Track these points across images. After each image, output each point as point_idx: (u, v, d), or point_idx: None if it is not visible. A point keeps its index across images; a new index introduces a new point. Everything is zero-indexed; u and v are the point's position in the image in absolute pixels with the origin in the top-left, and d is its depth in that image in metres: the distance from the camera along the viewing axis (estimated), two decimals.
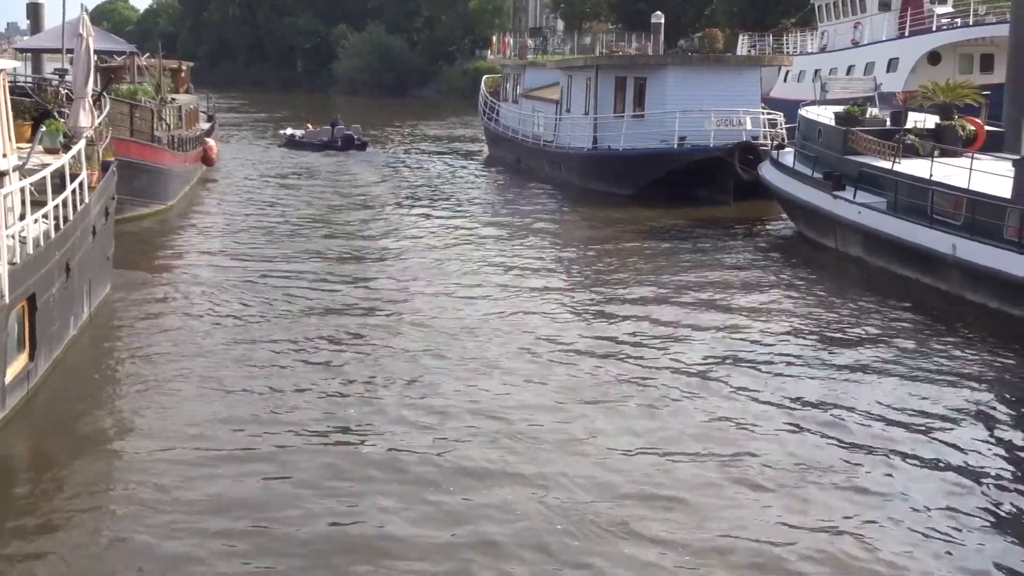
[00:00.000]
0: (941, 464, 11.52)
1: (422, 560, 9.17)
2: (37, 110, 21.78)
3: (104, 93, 23.99)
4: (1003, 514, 10.38)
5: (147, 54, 38.24)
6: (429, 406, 12.88)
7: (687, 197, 29.34)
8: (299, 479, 10.73)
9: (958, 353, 15.53)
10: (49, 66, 39.31)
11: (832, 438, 12.16)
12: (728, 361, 14.94)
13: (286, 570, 9.00)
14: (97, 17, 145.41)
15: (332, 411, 12.70)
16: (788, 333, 16.55)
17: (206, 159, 34.66)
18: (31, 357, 12.86)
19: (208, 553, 9.22)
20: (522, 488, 10.62)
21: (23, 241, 12.69)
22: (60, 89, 24.17)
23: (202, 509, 10.03)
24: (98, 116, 20.05)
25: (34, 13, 41.08)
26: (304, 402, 12.97)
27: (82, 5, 20.49)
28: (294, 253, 22.37)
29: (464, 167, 40.53)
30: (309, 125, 48.51)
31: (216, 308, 17.42)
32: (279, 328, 16.28)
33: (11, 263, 11.94)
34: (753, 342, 15.96)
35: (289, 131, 46.84)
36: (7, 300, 11.64)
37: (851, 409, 13.10)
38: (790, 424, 12.61)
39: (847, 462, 11.47)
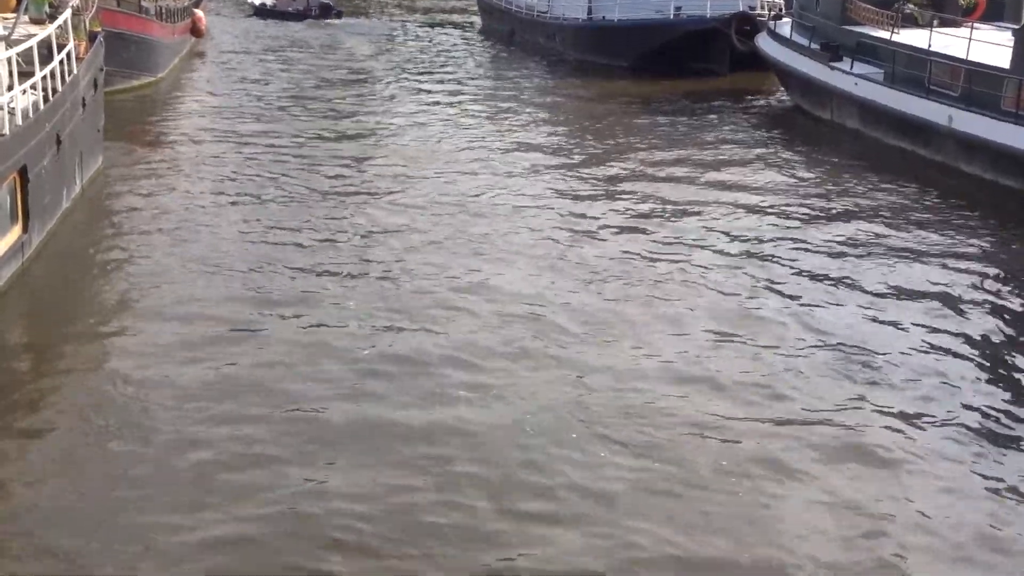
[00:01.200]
0: (931, 327, 11.67)
1: (419, 442, 9.25)
2: None
3: None
4: (997, 372, 10.56)
5: None
6: (427, 287, 12.86)
7: (683, 68, 28.97)
8: (292, 359, 10.67)
9: (951, 224, 15.58)
10: None
11: (833, 306, 12.31)
12: (724, 235, 14.95)
13: (284, 449, 9.09)
14: None
15: (327, 289, 12.68)
16: (782, 205, 16.55)
17: (195, 30, 34.04)
18: (24, 229, 12.86)
19: (205, 432, 9.28)
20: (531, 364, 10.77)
21: (12, 112, 12.56)
22: None
23: (199, 388, 10.02)
24: None
25: None
26: (298, 280, 12.92)
27: None
28: (286, 127, 22.16)
29: (457, 39, 39.91)
30: None
31: (209, 181, 17.36)
32: (272, 203, 16.25)
33: (0, 134, 11.84)
34: (748, 215, 15.97)
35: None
36: None
37: (848, 279, 13.22)
38: (792, 297, 12.72)
39: (849, 327, 11.68)
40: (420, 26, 43.75)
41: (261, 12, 43.51)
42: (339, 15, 43.92)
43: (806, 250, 14.36)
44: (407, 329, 11.42)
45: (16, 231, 12.66)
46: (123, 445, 9.05)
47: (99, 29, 19.44)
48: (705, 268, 13.55)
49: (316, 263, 13.39)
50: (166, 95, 26.21)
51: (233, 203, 16.11)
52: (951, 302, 12.51)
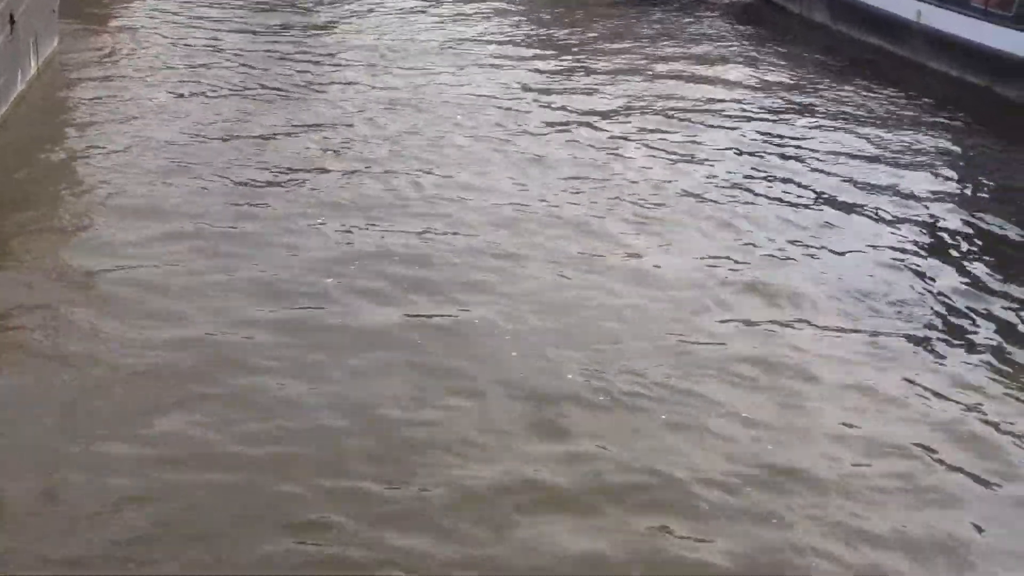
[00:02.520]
0: (886, 220, 11.75)
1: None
2: None
3: None
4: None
5: None
6: (396, 185, 12.69)
7: None
8: (263, 257, 10.48)
9: (914, 121, 15.60)
10: None
11: (789, 205, 12.35)
12: (689, 130, 14.84)
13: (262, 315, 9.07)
14: None
15: (293, 184, 12.40)
16: (740, 93, 16.50)
17: None
18: None
19: (166, 331, 9.14)
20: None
21: None
22: None
23: (157, 287, 9.78)
24: None
25: None
26: (261, 165, 12.72)
27: None
28: (251, 13, 21.59)
29: None
30: None
31: (169, 69, 16.92)
32: (235, 95, 15.83)
33: None
34: (705, 111, 15.86)
35: None
36: None
37: (808, 177, 13.26)
38: (753, 177, 12.74)
39: (793, 204, 11.70)
40: None
41: None
42: None
43: (769, 147, 14.33)
44: (375, 227, 11.31)
45: None
46: (77, 345, 8.85)
47: None
48: (670, 166, 13.53)
49: (281, 160, 13.02)
50: None
51: (193, 93, 15.59)
52: (908, 199, 12.56)
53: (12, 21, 13.85)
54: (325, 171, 12.68)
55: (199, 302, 9.47)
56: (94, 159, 12.62)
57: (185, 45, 18.02)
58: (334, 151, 13.25)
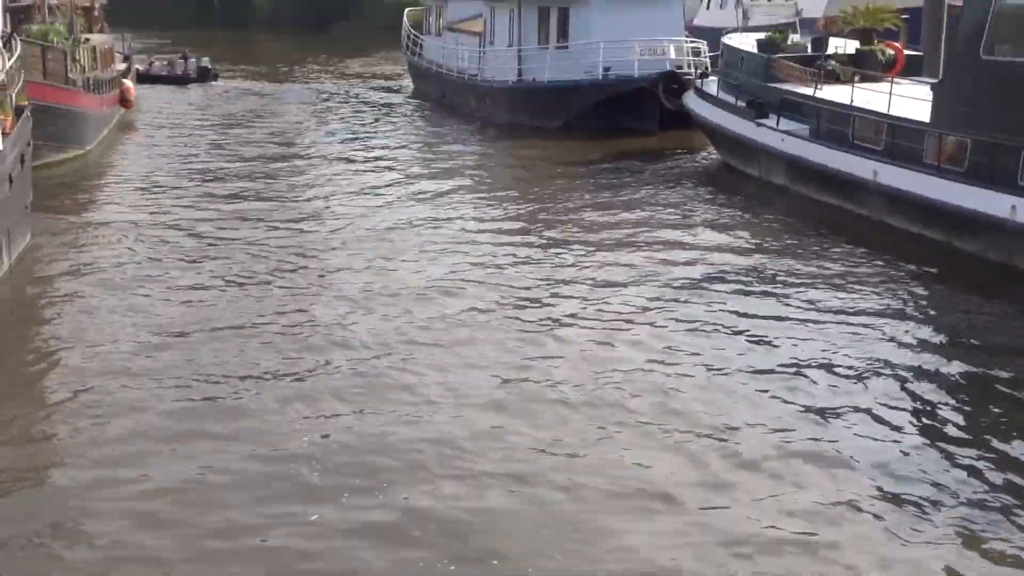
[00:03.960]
0: (851, 380, 11.81)
1: None
2: None
3: (14, 35, 23.27)
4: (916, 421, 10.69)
5: None
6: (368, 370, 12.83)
7: (613, 128, 29.38)
8: (232, 458, 10.29)
9: (879, 279, 15.82)
10: None
11: (747, 366, 12.41)
12: (648, 297, 14.94)
13: None
14: None
15: (261, 361, 12.51)
16: (709, 266, 16.67)
17: (124, 101, 33.90)
18: None
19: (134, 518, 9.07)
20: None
21: None
22: None
23: (131, 482, 9.66)
24: (9, 59, 19.46)
25: None
26: (235, 358, 12.63)
27: None
28: (215, 196, 22.04)
29: (388, 103, 40.08)
30: (155, 60, 48.49)
31: (139, 254, 17.18)
32: (204, 272, 16.10)
33: None
34: (676, 274, 16.08)
35: (139, 67, 46.05)
36: None
37: (769, 335, 13.35)
38: (712, 351, 12.82)
39: (758, 390, 11.73)
40: (351, 91, 43.90)
41: (143, 78, 44.25)
42: (215, 77, 46.86)
43: (732, 308, 14.48)
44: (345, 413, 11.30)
45: None
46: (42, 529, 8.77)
47: (26, 103, 19.26)
48: (631, 324, 13.67)
49: (257, 343, 13.05)
50: (95, 168, 25.99)
51: (164, 283, 15.64)
52: (875, 356, 12.66)
53: None
54: (302, 366, 12.71)
55: (179, 506, 9.31)
56: (63, 359, 12.51)
57: (159, 242, 18.04)
58: (308, 343, 13.20)
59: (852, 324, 13.81)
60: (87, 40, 31.94)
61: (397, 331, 13.48)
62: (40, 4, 32.09)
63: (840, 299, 14.85)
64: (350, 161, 26.65)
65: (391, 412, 11.05)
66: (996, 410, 11.23)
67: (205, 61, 47.89)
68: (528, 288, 15.41)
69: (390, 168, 25.81)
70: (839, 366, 12.35)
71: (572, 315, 14.34)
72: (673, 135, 28.60)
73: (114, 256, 17.04)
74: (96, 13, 39.42)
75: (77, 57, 28.69)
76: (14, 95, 18.39)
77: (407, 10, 49.91)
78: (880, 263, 16.62)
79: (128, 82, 34.99)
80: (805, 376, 12.07)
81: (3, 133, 15.94)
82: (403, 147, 29.61)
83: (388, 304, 14.60)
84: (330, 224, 19.45)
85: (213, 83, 45.82)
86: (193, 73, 46.62)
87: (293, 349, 12.85)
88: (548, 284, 15.68)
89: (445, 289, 15.38)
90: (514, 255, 17.38)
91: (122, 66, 38.65)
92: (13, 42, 22.22)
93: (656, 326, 13.79)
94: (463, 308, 14.46)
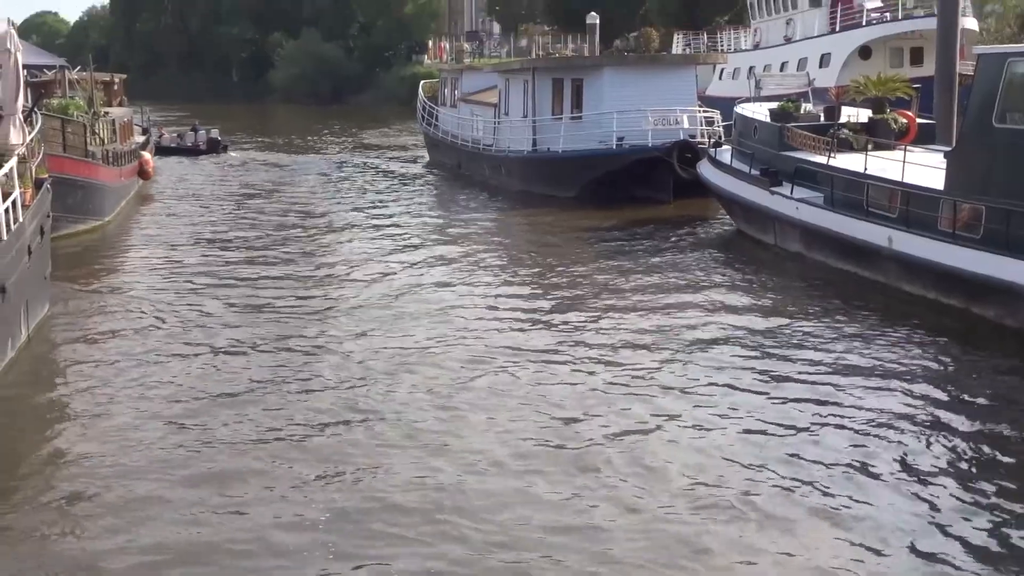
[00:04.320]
0: (863, 445, 11.71)
1: None
2: None
3: (35, 109, 23.62)
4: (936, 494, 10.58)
5: (78, 67, 37.78)
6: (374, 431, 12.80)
7: (628, 197, 29.54)
8: (248, 526, 10.16)
9: (896, 345, 15.74)
10: None
11: (767, 434, 12.31)
12: (668, 363, 14.94)
13: None
14: (25, 31, 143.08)
15: (281, 457, 12.00)
16: (727, 332, 16.62)
17: (142, 173, 34.31)
18: None
19: None
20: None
21: None
22: None
23: (148, 551, 9.54)
24: (30, 133, 19.74)
25: None
26: (251, 432, 12.46)
27: (8, 19, 20.13)
28: (233, 265, 22.19)
29: (404, 172, 40.44)
30: (164, 132, 49.47)
31: (157, 325, 17.20)
32: (221, 340, 16.12)
33: None
34: (693, 343, 16.03)
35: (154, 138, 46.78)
36: None
37: (788, 402, 13.28)
38: (725, 420, 12.74)
39: (788, 453, 11.63)
40: (367, 162, 44.35)
41: (157, 149, 44.94)
42: (225, 148, 48.10)
43: (750, 375, 14.41)
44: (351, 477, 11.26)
45: None
46: None
47: (46, 175, 19.50)
48: (650, 395, 13.59)
49: (272, 424, 12.74)
50: (113, 238, 26.22)
51: (183, 352, 15.65)
52: (892, 422, 12.56)
53: (3, 291, 14.14)
54: (305, 437, 12.68)
55: None
56: (78, 437, 12.38)
57: (176, 312, 18.04)
58: (324, 409, 13.21)
59: (869, 387, 13.72)
60: (106, 113, 32.45)
61: (412, 396, 13.46)
62: (61, 79, 32.69)
63: (857, 363, 14.77)
64: (366, 228, 26.85)
65: (411, 476, 11.01)
66: (1012, 476, 11.12)
67: (214, 133, 48.90)
68: (545, 352, 15.41)
69: (406, 235, 26.00)
70: (856, 429, 12.26)
71: (591, 373, 14.37)
72: (687, 203, 28.74)
73: (131, 326, 17.08)
74: (116, 87, 40.13)
75: (96, 130, 29.12)
76: (34, 168, 18.64)
77: (422, 82, 50.64)
78: (897, 329, 16.54)
79: (147, 154, 35.44)
80: (829, 435, 12.02)
81: (23, 205, 16.09)
82: (419, 215, 29.83)
83: (405, 369, 14.62)
84: (347, 291, 19.54)
85: (222, 154, 46.51)
86: (203, 145, 47.50)
87: (310, 417, 12.81)
88: (565, 347, 15.67)
89: (459, 353, 15.39)
90: (532, 319, 17.43)
91: (141, 139, 39.20)
92: (34, 116, 22.57)
93: (673, 388, 13.74)
94: (478, 373, 14.46)
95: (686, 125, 31.07)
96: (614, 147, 30.93)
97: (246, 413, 12.99)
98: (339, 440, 12.16)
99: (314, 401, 13.47)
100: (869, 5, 47.16)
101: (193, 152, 46.75)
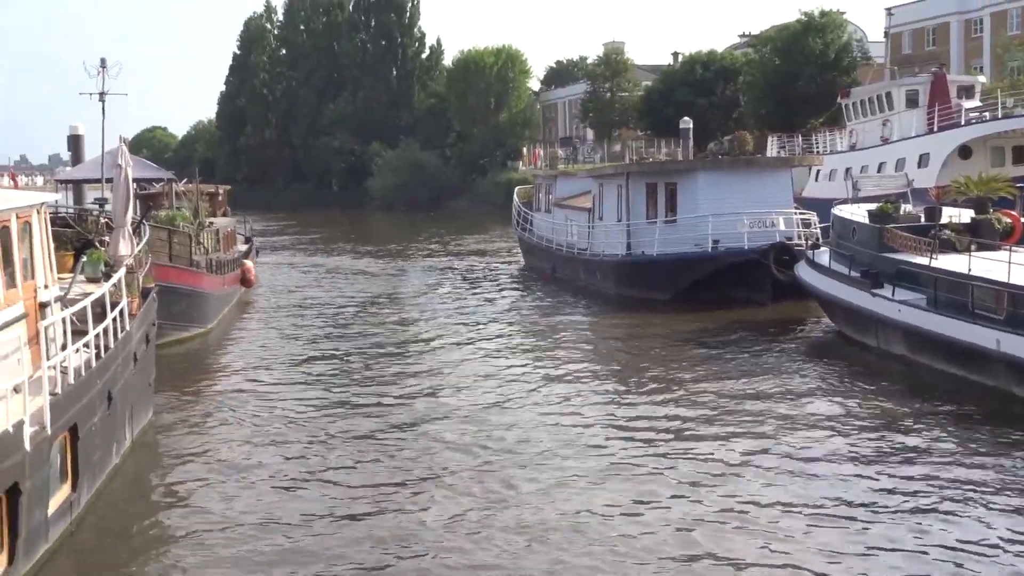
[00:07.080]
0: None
1: None
2: (79, 240, 22.26)
3: (143, 220, 24.42)
4: None
5: (185, 179, 39.04)
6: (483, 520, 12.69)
7: (724, 299, 29.28)
8: None
9: (1009, 453, 15.19)
10: (90, 195, 40.37)
11: (876, 547, 11.89)
12: (772, 469, 14.64)
13: None
14: (137, 145, 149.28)
15: (383, 543, 12.34)
16: (831, 438, 16.24)
17: (244, 280, 35.04)
18: (74, 487, 12.85)
19: None
20: None
21: (64, 371, 12.78)
22: (100, 218, 24.66)
23: None
24: (138, 243, 20.37)
25: (75, 144, 42.42)
26: (353, 536, 12.53)
27: (120, 136, 21.03)
28: (335, 373, 22.39)
29: (500, 278, 40.71)
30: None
31: (259, 432, 17.37)
32: (325, 451, 16.18)
33: (53, 394, 12.00)
34: (797, 448, 15.68)
35: None
36: (49, 432, 11.68)
37: (900, 513, 12.83)
38: (838, 531, 12.34)
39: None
40: (464, 266, 44.76)
41: None
42: (257, 253, 46.94)
43: (860, 485, 13.99)
44: None
45: (65, 490, 12.65)
46: None
47: (152, 285, 20.03)
48: (757, 505, 13.23)
49: (370, 533, 12.69)
50: (216, 346, 26.69)
51: (284, 459, 15.76)
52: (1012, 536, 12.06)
53: (110, 398, 14.43)
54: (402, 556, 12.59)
55: None
56: (182, 541, 12.56)
57: (276, 420, 18.16)
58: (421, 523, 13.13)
59: (983, 498, 13.22)
60: (211, 223, 33.32)
61: (519, 512, 13.35)
62: (168, 191, 33.80)
63: (968, 471, 14.26)
64: (464, 334, 26.93)
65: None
66: None
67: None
68: (630, 457, 15.24)
69: (503, 338, 26.07)
70: (970, 542, 11.79)
71: (693, 483, 14.13)
72: (785, 306, 28.39)
73: (231, 436, 17.25)
74: (220, 198, 41.32)
75: (201, 240, 29.89)
76: (141, 278, 19.18)
77: (517, 188, 51.23)
78: (1008, 435, 15.98)
79: (249, 262, 36.22)
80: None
81: (130, 314, 16.49)
82: (515, 317, 29.93)
83: (503, 470, 14.62)
84: (445, 395, 19.59)
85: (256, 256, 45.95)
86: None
87: (419, 550, 12.40)
88: (668, 469, 15.12)
89: (554, 451, 15.46)
90: (624, 421, 17.29)
91: (244, 247, 40.16)
92: (142, 228, 23.32)
93: (773, 500, 13.41)
94: (573, 473, 14.45)
95: (782, 227, 30.87)
96: (710, 250, 30.78)
97: (354, 535, 12.65)
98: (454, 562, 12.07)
99: (429, 525, 12.97)
100: (967, 105, 46.68)
101: None
